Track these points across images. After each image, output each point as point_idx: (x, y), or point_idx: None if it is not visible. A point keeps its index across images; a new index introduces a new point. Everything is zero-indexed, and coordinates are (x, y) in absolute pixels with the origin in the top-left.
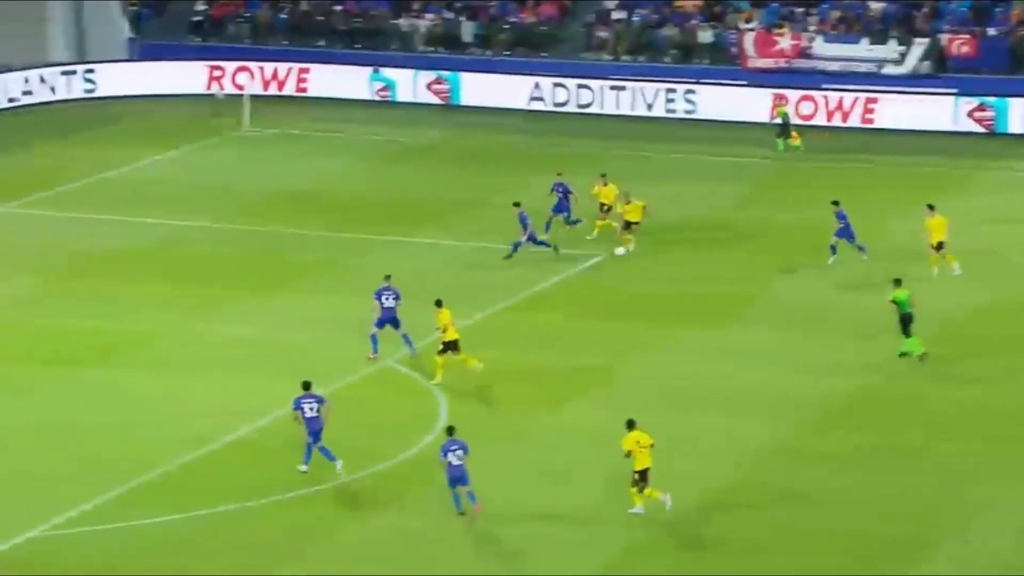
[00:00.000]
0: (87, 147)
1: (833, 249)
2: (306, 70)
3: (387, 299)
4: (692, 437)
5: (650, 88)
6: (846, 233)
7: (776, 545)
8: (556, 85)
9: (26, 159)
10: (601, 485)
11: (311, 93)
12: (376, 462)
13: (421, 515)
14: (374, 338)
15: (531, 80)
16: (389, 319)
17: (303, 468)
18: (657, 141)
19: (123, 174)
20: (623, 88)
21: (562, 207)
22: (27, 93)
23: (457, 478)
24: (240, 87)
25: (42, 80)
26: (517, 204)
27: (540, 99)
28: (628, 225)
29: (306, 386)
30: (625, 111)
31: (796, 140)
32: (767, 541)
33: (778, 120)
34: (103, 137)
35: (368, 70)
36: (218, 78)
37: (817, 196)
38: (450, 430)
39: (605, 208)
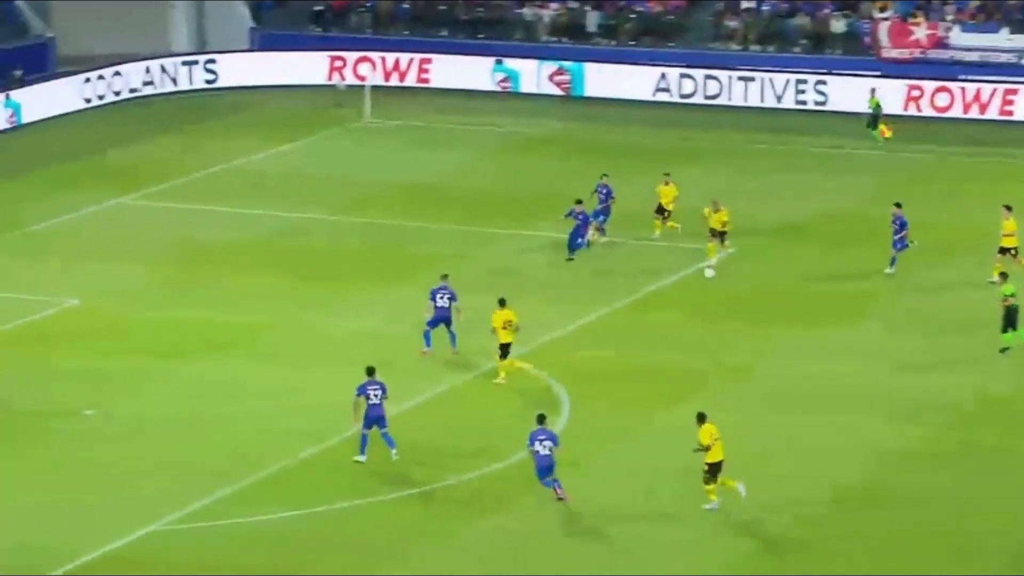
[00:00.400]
0: (207, 138)
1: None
2: (428, 60)
3: (441, 299)
4: (813, 437)
5: (780, 79)
6: (898, 240)
7: (898, 546)
8: (683, 76)
9: (146, 150)
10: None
11: (433, 84)
12: (490, 462)
13: (530, 517)
14: (427, 335)
15: (657, 71)
16: (442, 318)
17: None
18: (786, 133)
19: (242, 165)
20: (752, 79)
21: (600, 211)
22: (148, 84)
23: (545, 468)
24: (362, 78)
25: (163, 70)
26: (579, 202)
27: (666, 90)
28: (716, 234)
29: (370, 372)
30: (754, 103)
31: (886, 133)
32: (889, 541)
33: (870, 110)
34: (223, 128)
35: (491, 61)
36: (339, 68)
37: (951, 191)
38: (540, 419)
39: (666, 214)
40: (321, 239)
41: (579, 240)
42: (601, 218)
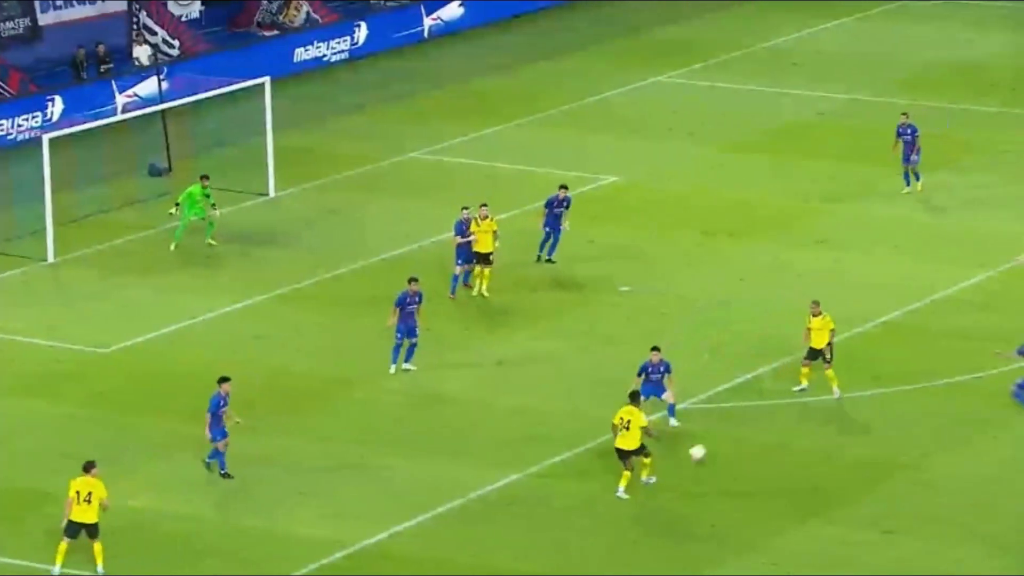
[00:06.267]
0: (748, 17)
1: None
2: None
3: None
4: None
5: None
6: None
7: None
8: None
9: (693, 27)
10: None
11: None
12: None
13: None
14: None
15: None
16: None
17: None
18: None
19: (781, 44)
20: None
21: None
22: None
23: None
24: None
25: None
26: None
27: None
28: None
29: None
30: None
31: None
32: None
33: None
34: (766, 6)
35: None
36: None
37: None
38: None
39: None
40: (866, 120)
41: None
42: None
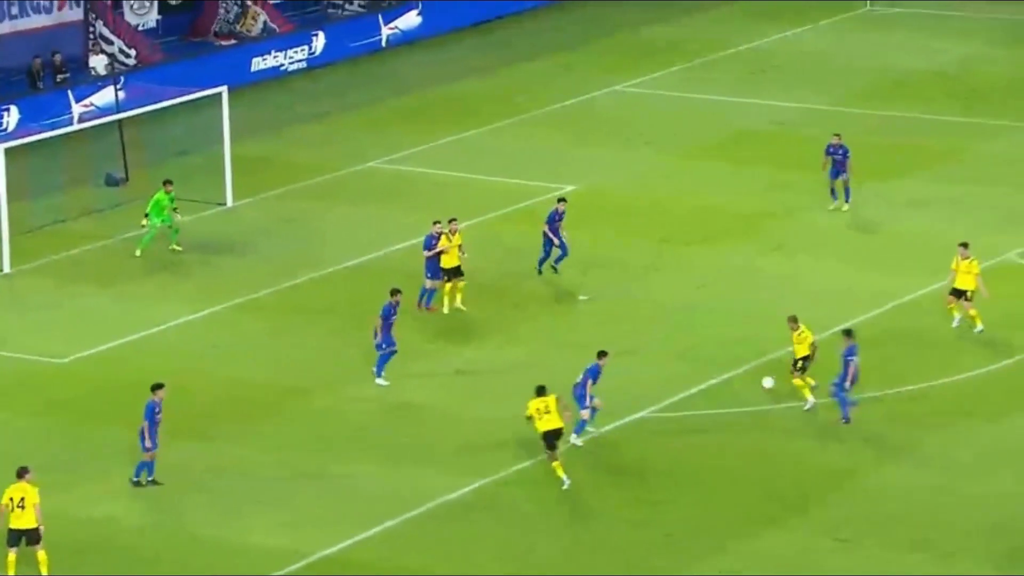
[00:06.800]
0: (716, 22)
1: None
2: None
3: None
4: None
5: None
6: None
7: None
8: None
9: (662, 31)
10: None
11: None
12: None
13: None
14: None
15: None
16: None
17: None
18: None
19: (747, 50)
20: None
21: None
22: None
23: None
24: None
25: None
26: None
27: None
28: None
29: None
30: None
31: None
32: None
33: None
34: (734, 11)
35: None
36: None
37: None
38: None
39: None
40: (826, 129)
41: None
42: None
